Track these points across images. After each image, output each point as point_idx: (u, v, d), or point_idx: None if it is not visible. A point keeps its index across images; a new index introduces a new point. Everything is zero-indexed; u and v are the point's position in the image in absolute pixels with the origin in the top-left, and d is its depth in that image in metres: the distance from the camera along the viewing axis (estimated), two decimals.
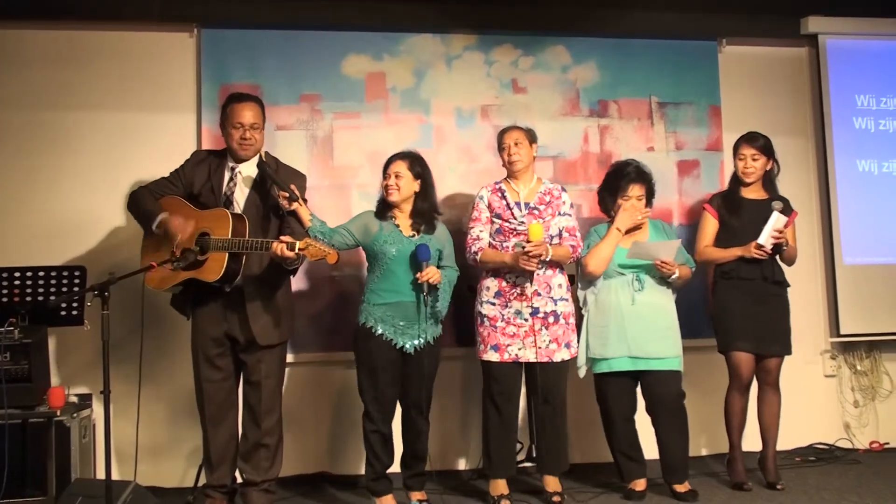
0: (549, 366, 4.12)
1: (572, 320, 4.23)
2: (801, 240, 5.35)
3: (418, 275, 3.90)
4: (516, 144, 4.20)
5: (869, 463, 4.94)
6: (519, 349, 4.10)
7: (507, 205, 4.20)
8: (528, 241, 4.00)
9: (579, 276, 4.37)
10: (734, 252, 4.37)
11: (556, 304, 4.15)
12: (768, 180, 4.53)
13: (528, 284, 4.09)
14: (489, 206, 4.24)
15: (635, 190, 4.28)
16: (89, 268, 4.17)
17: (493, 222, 4.23)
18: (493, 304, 4.15)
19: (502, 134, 4.29)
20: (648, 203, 4.35)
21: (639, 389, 4.27)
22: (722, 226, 4.45)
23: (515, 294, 4.12)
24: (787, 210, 4.43)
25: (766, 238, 4.29)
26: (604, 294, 4.26)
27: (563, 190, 4.33)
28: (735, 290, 4.38)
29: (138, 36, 4.85)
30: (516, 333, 4.11)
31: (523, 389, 4.27)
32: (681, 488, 4.17)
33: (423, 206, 4.07)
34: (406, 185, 4.04)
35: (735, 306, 4.36)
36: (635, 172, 4.30)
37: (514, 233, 4.16)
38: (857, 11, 5.47)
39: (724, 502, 4.15)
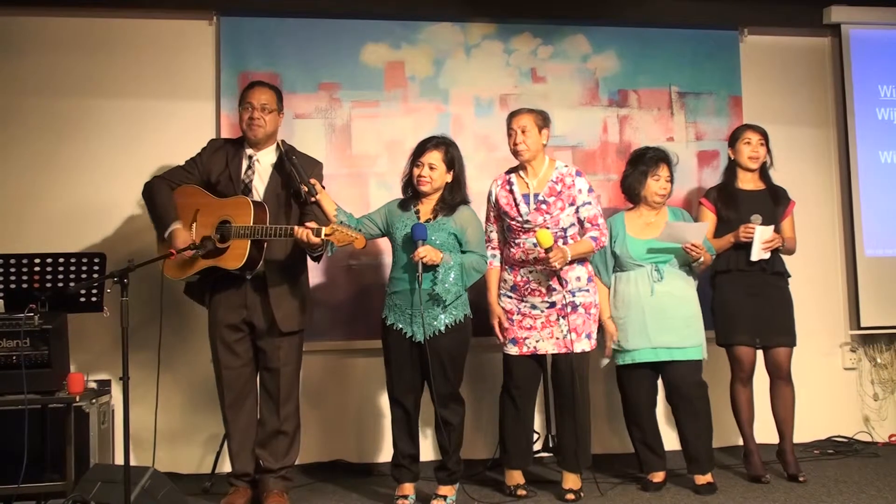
0: (569, 357, 4.01)
1: (594, 311, 4.09)
2: (822, 231, 5.36)
3: (412, 255, 3.76)
4: (523, 132, 4.02)
5: (888, 456, 4.90)
6: (537, 341, 4.06)
7: (514, 200, 4.06)
8: (541, 249, 3.87)
9: None
10: (727, 239, 4.34)
11: (574, 296, 4.03)
12: (764, 171, 4.52)
13: (543, 279, 3.99)
14: (497, 203, 4.12)
15: (664, 170, 4.24)
16: (109, 255, 4.18)
17: (502, 219, 4.12)
18: (510, 296, 4.11)
19: (511, 117, 4.08)
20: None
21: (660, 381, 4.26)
22: (719, 219, 4.41)
23: (530, 289, 4.06)
24: (785, 200, 4.46)
25: (756, 254, 4.28)
26: (622, 285, 4.23)
27: (579, 174, 4.10)
28: (733, 284, 4.36)
29: (157, 23, 4.85)
30: (533, 325, 4.06)
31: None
32: (701, 480, 4.14)
33: (451, 199, 3.91)
34: (439, 177, 3.89)
35: (734, 299, 4.34)
36: (660, 153, 4.27)
37: (523, 230, 4.03)
38: (881, 1, 5.40)
39: (742, 494, 4.12)
